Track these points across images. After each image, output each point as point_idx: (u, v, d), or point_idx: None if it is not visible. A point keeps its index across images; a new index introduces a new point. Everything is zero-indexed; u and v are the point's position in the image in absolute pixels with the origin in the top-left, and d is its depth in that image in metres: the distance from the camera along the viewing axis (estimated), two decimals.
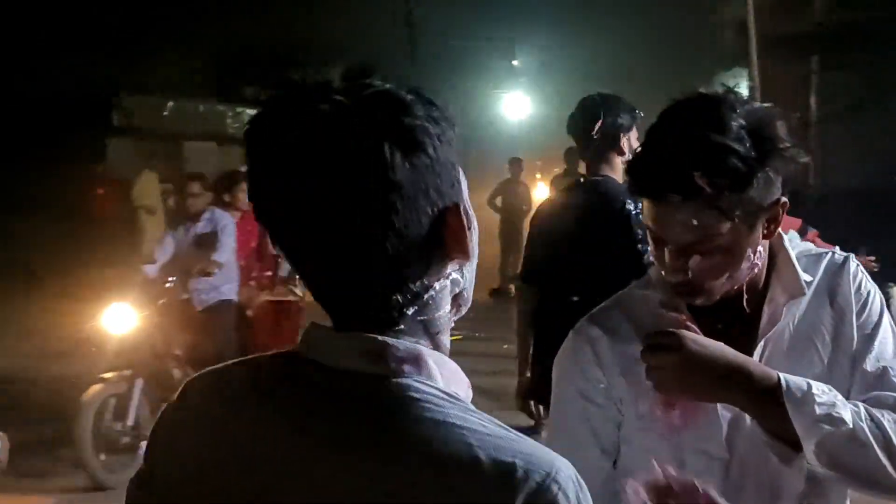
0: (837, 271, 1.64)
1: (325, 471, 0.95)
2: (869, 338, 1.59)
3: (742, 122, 1.46)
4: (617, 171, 3.62)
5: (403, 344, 0.99)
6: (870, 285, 1.65)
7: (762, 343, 1.58)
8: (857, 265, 1.67)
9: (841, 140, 13.40)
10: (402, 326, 1.01)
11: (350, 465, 0.94)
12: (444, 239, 1.00)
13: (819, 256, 1.66)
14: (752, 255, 1.53)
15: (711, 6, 32.18)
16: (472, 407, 0.98)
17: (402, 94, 0.98)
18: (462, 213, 1.01)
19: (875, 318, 1.61)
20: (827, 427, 1.42)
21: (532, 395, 3.98)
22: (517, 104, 52.10)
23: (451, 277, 1.03)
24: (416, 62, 34.76)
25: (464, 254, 1.02)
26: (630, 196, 3.28)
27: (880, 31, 12.19)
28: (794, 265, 1.61)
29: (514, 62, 50.03)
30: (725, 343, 1.51)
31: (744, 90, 21.92)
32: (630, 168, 1.54)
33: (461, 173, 1.04)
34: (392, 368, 0.98)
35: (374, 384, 0.97)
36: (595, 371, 1.65)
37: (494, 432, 0.94)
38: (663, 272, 1.55)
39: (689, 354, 1.46)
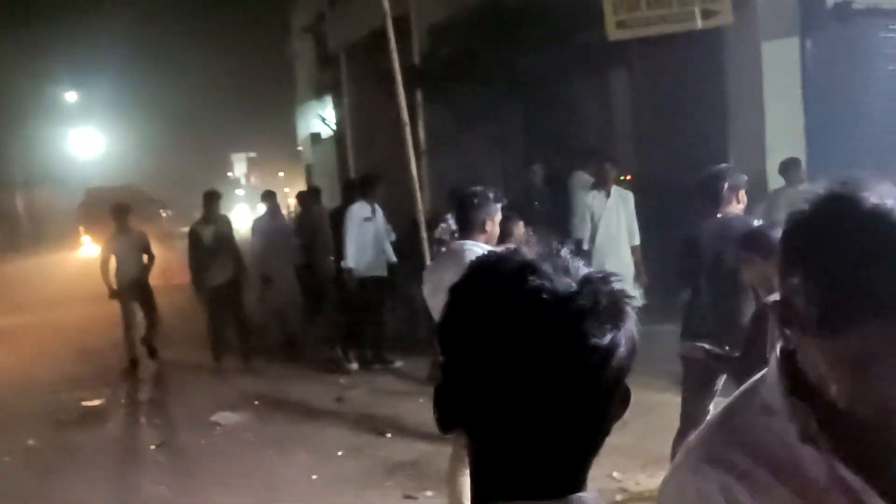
0: None
1: None
2: None
3: None
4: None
5: (592, 494, 1.18)
6: None
7: None
8: None
9: (445, 168, 14.25)
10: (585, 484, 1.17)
11: None
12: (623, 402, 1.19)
13: None
14: None
15: (286, 41, 32.75)
16: None
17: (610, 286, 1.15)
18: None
19: None
20: None
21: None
22: (88, 141, 49.40)
23: None
24: None
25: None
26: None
27: (465, 67, 13.17)
28: None
29: (77, 99, 47.36)
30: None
31: (332, 119, 22.56)
32: None
33: None
34: None
35: None
36: None
37: None
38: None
39: None
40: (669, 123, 11.14)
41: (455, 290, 1.17)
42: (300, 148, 32.95)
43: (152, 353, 11.86)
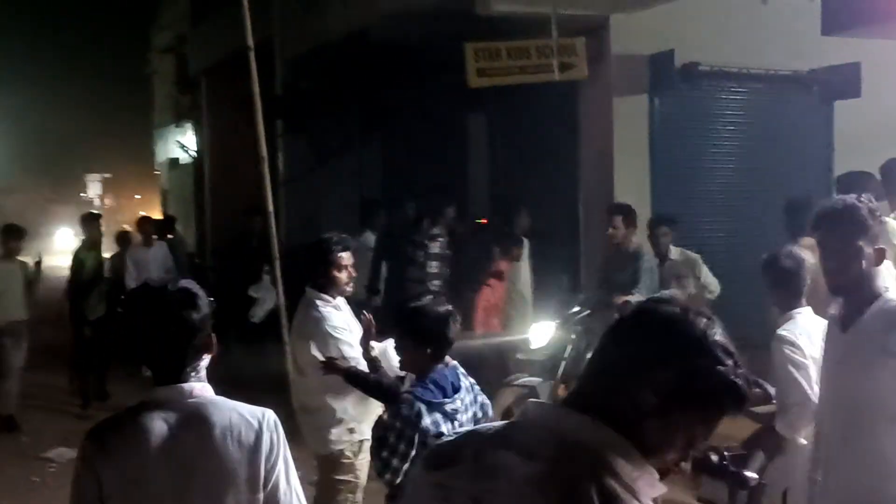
0: None
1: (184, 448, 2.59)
2: None
3: None
4: None
5: (198, 384, 2.66)
6: None
7: None
8: None
9: (303, 200, 14.18)
10: (193, 377, 2.65)
11: (194, 438, 2.59)
12: (206, 346, 2.70)
13: None
14: None
15: (145, 60, 31.92)
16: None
17: (194, 289, 2.68)
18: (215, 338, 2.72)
19: None
20: None
21: None
22: None
23: (206, 358, 2.70)
24: None
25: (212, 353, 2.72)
26: None
27: (326, 100, 13.19)
28: None
29: None
30: None
31: (192, 145, 22.04)
32: None
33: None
34: (197, 393, 2.63)
35: (195, 402, 2.63)
36: None
37: (237, 404, 2.67)
38: None
39: None
40: (523, 169, 11.42)
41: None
42: (157, 172, 32.10)
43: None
